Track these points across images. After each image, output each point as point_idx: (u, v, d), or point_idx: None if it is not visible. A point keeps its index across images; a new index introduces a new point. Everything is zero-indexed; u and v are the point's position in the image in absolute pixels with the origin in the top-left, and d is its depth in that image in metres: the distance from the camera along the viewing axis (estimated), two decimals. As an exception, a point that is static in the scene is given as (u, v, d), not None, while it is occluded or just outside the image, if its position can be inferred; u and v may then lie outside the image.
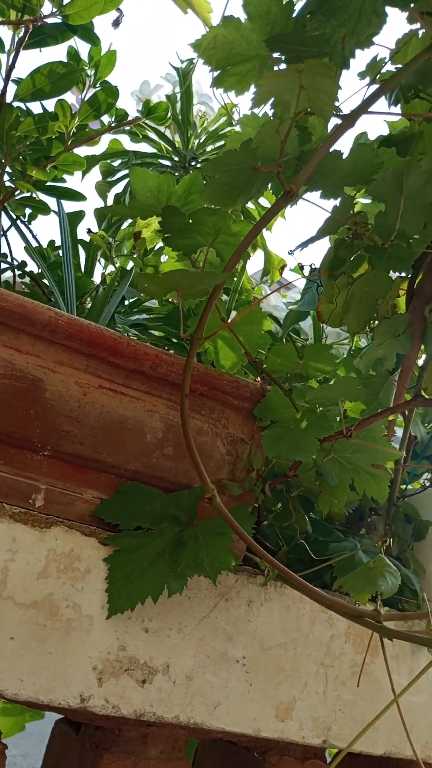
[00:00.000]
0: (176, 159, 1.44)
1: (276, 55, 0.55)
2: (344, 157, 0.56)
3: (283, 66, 0.54)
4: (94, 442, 0.66)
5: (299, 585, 0.62)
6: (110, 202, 1.43)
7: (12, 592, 0.58)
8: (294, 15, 0.53)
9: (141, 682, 0.63)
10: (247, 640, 0.69)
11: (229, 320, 0.72)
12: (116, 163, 1.43)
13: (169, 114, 1.21)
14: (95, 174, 1.43)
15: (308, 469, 0.75)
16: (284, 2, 0.55)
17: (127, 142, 1.43)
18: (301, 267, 0.98)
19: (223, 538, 0.63)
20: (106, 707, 0.61)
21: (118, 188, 1.44)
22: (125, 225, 1.29)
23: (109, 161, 1.42)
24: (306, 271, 0.92)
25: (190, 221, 0.65)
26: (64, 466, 0.66)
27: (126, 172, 1.41)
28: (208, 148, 1.44)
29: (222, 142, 1.44)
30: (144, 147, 1.47)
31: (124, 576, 0.63)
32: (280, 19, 0.54)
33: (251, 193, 0.56)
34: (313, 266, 0.92)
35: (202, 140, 1.46)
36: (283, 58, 0.54)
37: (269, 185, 0.57)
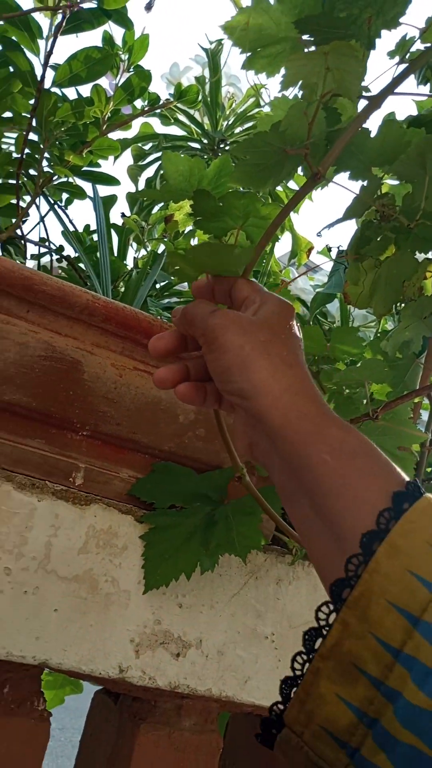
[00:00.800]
0: (205, 141, 1.44)
1: (306, 37, 0.55)
2: (372, 136, 0.56)
3: (313, 48, 0.54)
4: (130, 423, 0.68)
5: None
6: (141, 185, 1.43)
7: (55, 566, 0.60)
8: (323, -3, 0.53)
9: (175, 655, 0.65)
10: (275, 617, 0.71)
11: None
12: (147, 147, 1.43)
13: (200, 97, 1.21)
14: (126, 158, 1.44)
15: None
16: (312, -17, 0.55)
17: (157, 125, 1.43)
18: (328, 249, 0.97)
19: (252, 518, 0.64)
20: (143, 678, 0.63)
21: (149, 172, 1.44)
22: (156, 209, 1.30)
23: (140, 145, 1.43)
24: (333, 254, 0.91)
25: (221, 204, 0.65)
26: (101, 445, 0.68)
27: (157, 155, 1.41)
28: (237, 130, 1.44)
29: (250, 124, 1.43)
30: (174, 130, 1.47)
31: (159, 553, 0.65)
32: (309, 0, 0.54)
33: (282, 176, 0.56)
34: (340, 248, 0.92)
35: (230, 122, 1.45)
36: (312, 39, 0.54)
37: (299, 168, 0.57)
